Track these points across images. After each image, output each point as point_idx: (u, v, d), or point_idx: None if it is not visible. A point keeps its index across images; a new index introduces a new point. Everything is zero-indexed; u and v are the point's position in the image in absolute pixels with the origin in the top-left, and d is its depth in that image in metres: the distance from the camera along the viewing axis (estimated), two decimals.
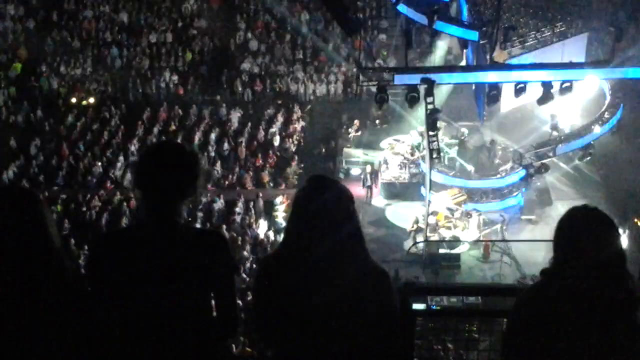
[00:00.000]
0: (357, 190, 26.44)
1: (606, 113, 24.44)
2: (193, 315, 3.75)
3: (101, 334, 3.69)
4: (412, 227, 24.09)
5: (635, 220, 21.93)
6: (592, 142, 23.73)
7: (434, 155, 22.39)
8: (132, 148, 29.29)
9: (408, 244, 23.33)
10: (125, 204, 26.01)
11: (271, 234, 24.96)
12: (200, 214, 25.71)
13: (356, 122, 29.60)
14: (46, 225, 3.55)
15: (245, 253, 24.11)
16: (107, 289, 3.68)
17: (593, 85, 24.15)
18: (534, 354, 3.47)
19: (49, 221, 3.58)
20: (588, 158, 24.01)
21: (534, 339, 3.45)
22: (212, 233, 4.19)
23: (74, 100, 32.94)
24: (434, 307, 5.18)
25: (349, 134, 29.48)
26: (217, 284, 3.81)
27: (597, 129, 23.96)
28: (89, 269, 3.76)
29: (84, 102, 32.93)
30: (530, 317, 3.49)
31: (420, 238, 23.37)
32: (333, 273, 3.52)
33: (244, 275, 22.98)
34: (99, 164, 28.49)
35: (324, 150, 29.13)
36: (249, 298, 21.30)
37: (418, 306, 4.67)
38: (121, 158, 28.71)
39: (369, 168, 26.93)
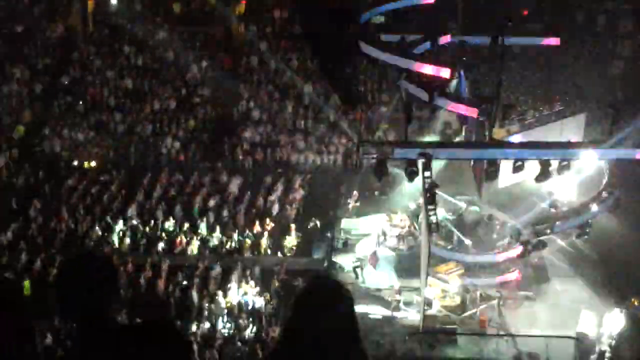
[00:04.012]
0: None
1: (604, 192, 24.61)
2: None
3: None
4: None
5: (633, 300, 21.93)
6: (589, 221, 23.81)
7: (432, 229, 22.49)
8: (131, 213, 29.37)
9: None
10: (122, 268, 25.97)
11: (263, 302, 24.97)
12: (197, 280, 25.76)
13: (355, 193, 29.74)
14: None
15: (241, 321, 24.09)
16: None
17: (592, 163, 24.47)
18: None
19: None
20: (585, 236, 24.06)
21: None
22: (161, 327, 3.76)
23: (75, 163, 33.21)
24: None
25: (347, 204, 29.62)
26: None
27: (595, 208, 24.08)
28: None
29: (86, 166, 33.19)
30: None
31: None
32: None
33: (239, 344, 22.92)
34: (97, 228, 28.53)
35: (322, 220, 29.10)
36: None
37: None
38: (120, 222, 28.76)
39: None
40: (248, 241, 27.62)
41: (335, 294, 3.65)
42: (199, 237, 27.86)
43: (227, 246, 27.73)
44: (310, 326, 3.54)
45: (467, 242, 25.83)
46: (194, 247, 27.48)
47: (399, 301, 24.30)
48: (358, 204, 29.47)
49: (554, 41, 28.04)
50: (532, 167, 22.62)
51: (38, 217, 29.34)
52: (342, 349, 3.56)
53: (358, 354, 3.66)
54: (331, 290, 3.68)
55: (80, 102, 35.66)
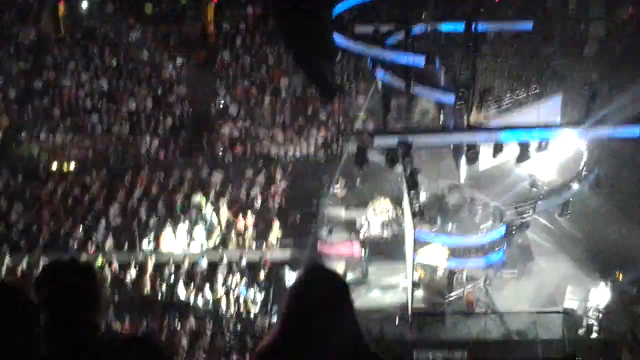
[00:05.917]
0: (341, 249, 26.69)
1: (584, 170, 24.87)
2: None
3: None
4: None
5: (618, 273, 22.20)
6: (570, 199, 24.05)
7: (416, 214, 22.59)
8: (114, 212, 29.23)
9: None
10: (107, 267, 25.91)
11: (253, 294, 24.99)
12: (183, 275, 25.73)
13: (339, 179, 29.69)
14: None
15: (229, 314, 24.12)
16: None
17: (570, 143, 24.68)
18: None
19: None
20: (568, 214, 24.29)
21: None
22: (138, 341, 3.84)
23: (54, 166, 32.99)
24: None
25: (333, 192, 29.60)
26: None
27: (576, 186, 24.32)
28: None
29: (65, 168, 32.98)
30: None
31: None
32: None
33: (228, 336, 22.94)
34: (80, 229, 28.37)
35: (305, 211, 29.13)
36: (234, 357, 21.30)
37: None
38: (103, 222, 28.62)
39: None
40: (232, 235, 27.61)
41: (332, 283, 3.64)
42: (182, 233, 27.79)
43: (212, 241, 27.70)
44: (309, 316, 3.52)
45: (451, 225, 25.96)
46: (178, 244, 27.39)
47: None
48: (345, 191, 29.48)
49: (526, 25, 28.35)
50: (512, 149, 22.83)
51: (19, 221, 29.13)
52: (342, 337, 3.54)
53: (358, 340, 3.63)
54: (328, 279, 3.66)
55: (56, 105, 35.43)
